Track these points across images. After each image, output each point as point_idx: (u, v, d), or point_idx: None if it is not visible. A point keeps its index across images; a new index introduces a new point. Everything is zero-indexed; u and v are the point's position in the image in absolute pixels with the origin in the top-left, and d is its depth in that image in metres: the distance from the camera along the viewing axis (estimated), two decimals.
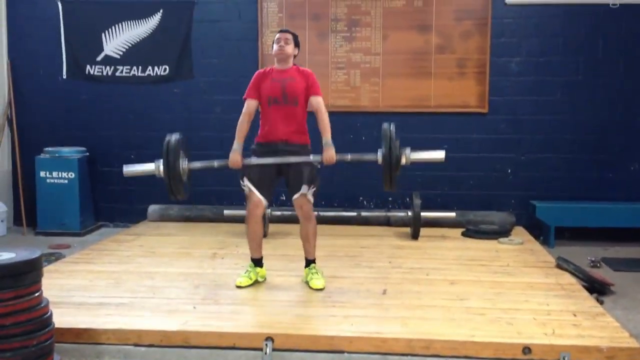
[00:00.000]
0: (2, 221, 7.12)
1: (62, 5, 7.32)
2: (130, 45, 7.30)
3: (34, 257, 3.18)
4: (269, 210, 6.39)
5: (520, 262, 5.36)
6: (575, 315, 3.90)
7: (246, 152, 4.48)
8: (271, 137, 4.43)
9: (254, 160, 4.43)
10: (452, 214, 6.56)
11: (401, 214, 6.72)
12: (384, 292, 4.41)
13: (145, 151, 7.28)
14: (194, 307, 4.03)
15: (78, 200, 7.06)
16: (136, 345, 3.57)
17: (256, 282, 4.56)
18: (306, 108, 4.49)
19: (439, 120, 6.98)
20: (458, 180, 7.12)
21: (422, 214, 6.22)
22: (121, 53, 7.31)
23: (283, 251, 5.64)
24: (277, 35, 4.51)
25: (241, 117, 4.48)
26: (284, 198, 6.65)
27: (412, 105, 6.96)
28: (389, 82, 7.03)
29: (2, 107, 7.44)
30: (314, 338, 3.53)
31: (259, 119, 4.55)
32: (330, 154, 4.32)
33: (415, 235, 6.25)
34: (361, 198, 7.25)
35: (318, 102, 4.44)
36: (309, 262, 4.60)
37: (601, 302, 4.44)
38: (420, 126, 6.88)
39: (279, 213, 6.58)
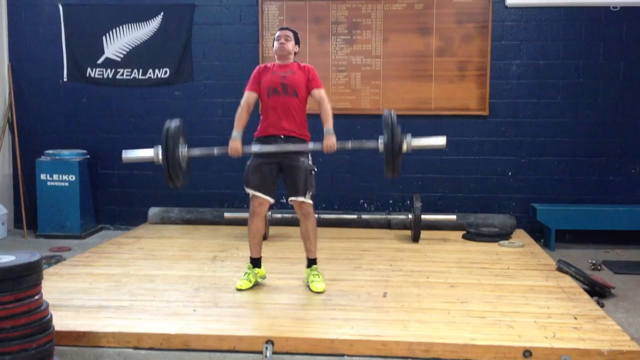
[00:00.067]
0: (2, 224, 7.12)
1: (63, 9, 7.33)
2: (131, 48, 7.30)
3: (33, 260, 3.18)
4: (269, 213, 6.38)
5: (521, 264, 5.35)
6: (576, 318, 3.89)
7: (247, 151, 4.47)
8: (271, 131, 4.45)
9: (254, 148, 4.44)
10: (453, 217, 6.56)
11: (402, 216, 6.71)
12: (385, 295, 4.40)
13: None
14: (194, 310, 4.03)
15: (78, 202, 7.06)
16: (136, 348, 3.56)
17: (256, 284, 4.56)
18: (306, 102, 4.53)
19: (440, 123, 6.98)
20: (459, 183, 7.12)
21: (423, 216, 6.22)
22: (122, 56, 7.32)
23: (283, 254, 5.64)
24: (278, 33, 4.57)
25: (240, 108, 4.52)
26: (285, 201, 6.63)
27: (412, 108, 6.96)
28: (390, 85, 7.03)
29: (2, 110, 7.44)
30: (314, 341, 3.52)
31: (259, 115, 4.57)
32: (331, 141, 4.33)
33: (415, 238, 6.24)
34: (362, 201, 7.25)
35: (320, 94, 4.50)
36: (311, 262, 4.59)
37: (602, 305, 4.44)
38: (420, 129, 6.81)
39: (279, 216, 6.57)
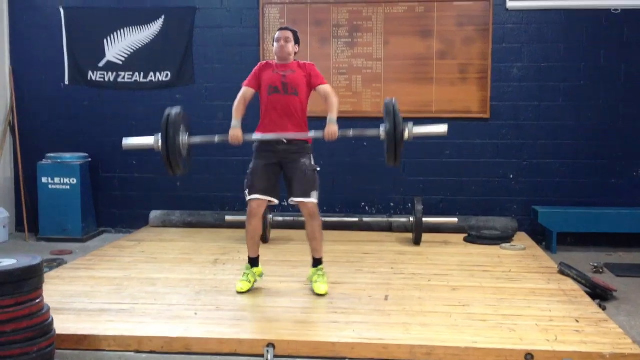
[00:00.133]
0: (4, 227, 7.12)
1: (65, 12, 7.34)
2: (132, 51, 7.31)
3: (34, 263, 3.18)
4: (270, 216, 6.38)
5: (522, 267, 5.35)
6: (577, 322, 3.88)
7: (248, 152, 4.46)
8: (272, 129, 4.44)
9: (255, 136, 4.44)
10: (454, 220, 6.55)
11: (403, 219, 6.71)
12: (386, 298, 4.40)
13: (147, 157, 7.30)
14: (195, 314, 4.03)
15: (80, 206, 7.07)
16: (137, 351, 3.56)
17: (255, 285, 4.56)
18: (307, 100, 4.54)
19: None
20: (460, 186, 7.11)
21: (424, 219, 6.21)
22: (123, 59, 7.33)
23: (285, 257, 5.64)
24: (277, 34, 4.56)
25: (236, 101, 4.55)
26: (286, 204, 6.63)
27: (413, 111, 6.94)
28: (391, 88, 7.03)
29: (4, 114, 7.45)
30: (315, 344, 3.52)
31: (259, 113, 4.58)
32: (332, 129, 4.34)
33: (417, 241, 6.23)
34: (363, 204, 7.24)
35: (325, 89, 4.52)
36: (317, 262, 4.58)
37: (604, 308, 4.43)
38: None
39: (280, 219, 6.57)
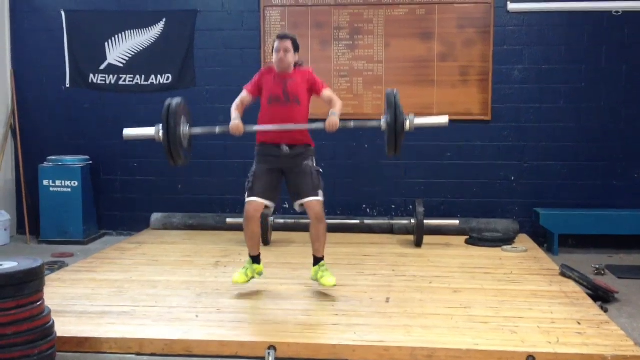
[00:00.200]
0: (5, 230, 7.12)
1: (66, 15, 7.35)
2: (133, 54, 7.32)
3: (35, 266, 3.18)
4: (271, 218, 6.38)
5: (524, 269, 5.34)
6: (579, 324, 3.88)
7: (250, 155, 4.45)
8: (272, 138, 4.42)
9: (256, 127, 4.42)
10: (456, 222, 6.55)
11: (404, 221, 6.70)
12: (388, 300, 4.40)
13: (148, 159, 7.31)
14: (197, 316, 4.02)
15: (81, 208, 7.07)
16: (138, 354, 3.56)
17: (256, 286, 4.56)
18: (308, 108, 4.52)
19: (442, 128, 6.92)
20: (461, 188, 7.11)
21: (426, 221, 6.21)
22: (124, 62, 7.34)
23: (285, 259, 5.64)
24: (276, 44, 4.46)
25: (234, 103, 4.52)
26: (287, 206, 6.64)
27: (415, 113, 6.91)
28: None
29: (5, 117, 7.46)
30: (316, 347, 3.52)
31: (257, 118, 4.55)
32: (333, 120, 4.31)
33: (418, 243, 6.23)
34: (364, 206, 7.24)
35: (328, 94, 4.52)
36: (318, 260, 4.56)
37: (605, 310, 4.42)
38: (423, 134, 6.83)
39: (282, 221, 6.57)
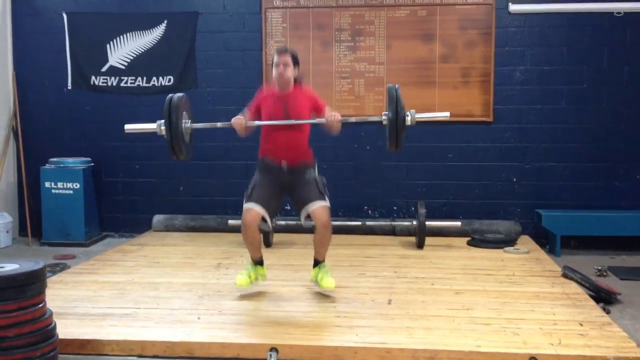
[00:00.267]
0: (7, 232, 7.13)
1: (67, 17, 7.36)
2: (134, 56, 7.33)
3: (37, 268, 3.18)
4: (273, 220, 6.37)
5: (526, 271, 5.33)
6: (581, 325, 3.87)
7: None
8: (274, 158, 4.39)
9: (258, 122, 4.39)
10: (458, 223, 6.54)
11: (406, 223, 6.69)
12: (389, 302, 4.39)
13: (150, 161, 7.32)
14: (198, 318, 4.02)
15: (83, 210, 7.07)
16: (140, 356, 3.56)
17: (258, 288, 4.54)
18: (309, 129, 4.44)
19: (444, 129, 6.97)
20: (463, 189, 7.10)
21: (427, 223, 6.20)
22: (126, 64, 7.34)
23: (287, 261, 5.64)
24: (275, 59, 4.35)
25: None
26: (289, 208, 6.64)
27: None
28: None
29: (7, 118, 7.47)
30: (318, 348, 3.51)
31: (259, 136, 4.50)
32: (335, 114, 4.28)
33: (420, 245, 6.22)
34: (366, 207, 7.24)
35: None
36: (319, 262, 4.54)
37: (608, 312, 4.41)
38: (424, 135, 6.88)
39: (283, 223, 6.56)
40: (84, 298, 4.47)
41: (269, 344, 3.51)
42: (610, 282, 5.29)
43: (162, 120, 4.21)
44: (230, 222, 6.61)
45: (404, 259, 5.81)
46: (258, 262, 4.57)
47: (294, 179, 4.38)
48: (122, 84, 7.37)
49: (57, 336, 3.32)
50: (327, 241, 4.43)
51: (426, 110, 6.89)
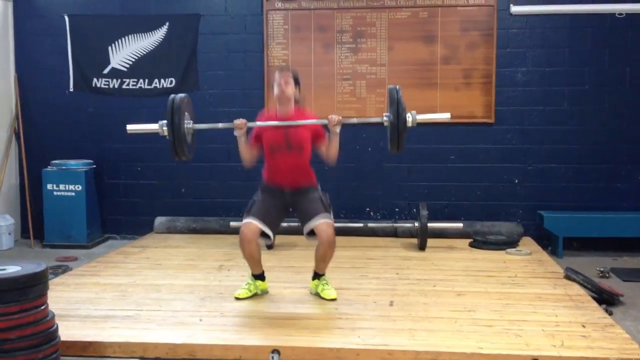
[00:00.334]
0: (9, 234, 7.13)
1: (69, 19, 7.37)
2: (136, 58, 7.34)
3: (39, 270, 3.18)
4: None
5: (528, 272, 5.33)
6: (584, 327, 3.86)
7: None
8: (277, 183, 4.39)
9: (259, 123, 4.39)
10: (459, 225, 6.53)
11: (408, 224, 6.69)
12: (391, 303, 4.39)
13: (152, 163, 7.32)
14: (200, 320, 4.02)
15: (85, 212, 7.08)
16: (142, 358, 3.56)
17: (256, 295, 4.54)
18: (311, 153, 4.41)
19: (446, 131, 6.97)
20: (465, 191, 7.10)
21: (429, 224, 6.20)
22: (128, 66, 7.35)
23: (289, 263, 5.64)
24: (276, 77, 4.34)
25: None
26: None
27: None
28: None
29: (9, 120, 7.48)
30: (320, 350, 3.51)
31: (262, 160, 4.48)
32: (335, 115, 4.24)
33: (422, 246, 6.22)
34: (368, 209, 7.24)
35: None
36: (319, 275, 4.54)
37: (610, 313, 4.41)
38: (426, 136, 6.88)
39: (285, 224, 6.53)
40: (86, 300, 4.47)
41: (271, 346, 3.51)
42: (613, 284, 5.29)
43: (164, 121, 4.21)
44: (232, 224, 6.61)
45: (406, 260, 5.80)
46: (258, 277, 4.54)
47: (297, 199, 4.38)
48: (124, 86, 7.37)
49: (59, 338, 3.32)
50: (329, 257, 4.40)
51: (428, 112, 6.93)
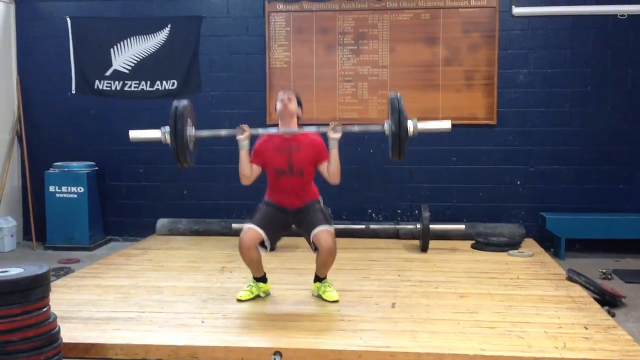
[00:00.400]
0: (11, 236, 7.14)
1: (71, 22, 7.39)
2: (138, 60, 7.34)
3: (41, 272, 3.18)
4: None
5: (530, 274, 5.32)
6: (586, 328, 3.86)
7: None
8: (281, 203, 4.42)
9: (261, 130, 4.40)
10: (462, 226, 6.53)
11: (410, 226, 6.69)
12: (393, 305, 4.38)
13: (154, 165, 7.33)
14: (202, 322, 4.02)
15: (87, 214, 7.08)
16: None
17: (258, 297, 4.54)
18: (314, 173, 4.42)
19: (447, 132, 6.93)
20: (467, 192, 7.09)
21: (431, 226, 6.19)
22: (130, 68, 7.36)
23: (291, 264, 5.63)
24: (279, 95, 4.41)
25: None
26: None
27: (420, 118, 6.79)
28: None
29: (11, 123, 7.49)
30: (322, 352, 3.51)
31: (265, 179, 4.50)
32: (336, 124, 4.24)
33: (424, 248, 6.22)
34: (370, 211, 7.24)
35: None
36: (320, 278, 4.55)
37: (613, 315, 4.40)
38: (428, 138, 6.85)
39: None
40: (88, 302, 4.47)
41: (273, 348, 3.51)
42: (615, 285, 5.28)
43: (167, 127, 4.22)
44: (234, 225, 6.60)
45: (408, 262, 5.80)
46: (260, 279, 4.56)
47: (299, 216, 4.41)
48: (126, 88, 7.38)
49: (61, 340, 3.32)
50: (330, 264, 4.41)
51: (430, 114, 6.97)
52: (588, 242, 6.80)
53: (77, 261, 6.46)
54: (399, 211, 7.20)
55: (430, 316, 4.13)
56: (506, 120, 6.98)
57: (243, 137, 4.30)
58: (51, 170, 7.14)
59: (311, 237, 4.30)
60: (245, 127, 4.29)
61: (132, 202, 7.50)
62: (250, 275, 4.58)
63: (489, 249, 6.28)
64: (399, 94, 4.25)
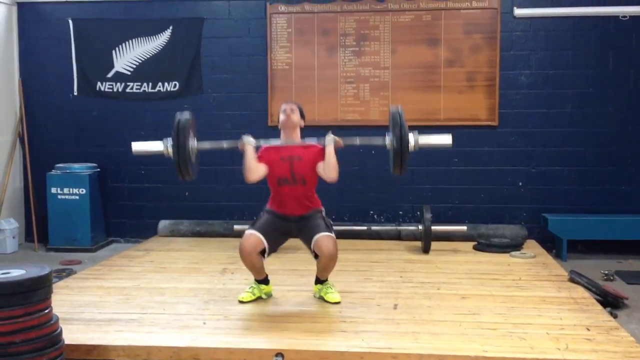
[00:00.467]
0: (13, 237, 7.15)
1: (73, 23, 7.40)
2: (140, 61, 7.35)
3: (43, 273, 3.18)
4: None
5: (532, 275, 5.32)
6: (588, 330, 3.85)
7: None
8: (283, 211, 4.42)
9: (263, 141, 4.41)
10: (463, 228, 6.52)
11: (412, 227, 6.69)
12: (395, 306, 4.38)
13: (156, 167, 7.33)
14: (204, 323, 4.02)
15: (89, 216, 7.09)
16: None
17: (259, 298, 4.54)
18: (317, 182, 4.44)
19: (449, 134, 6.94)
20: (469, 194, 7.09)
21: (433, 227, 6.19)
22: (131, 69, 7.37)
23: (293, 266, 5.63)
24: (283, 106, 4.46)
25: None
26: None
27: (421, 119, 6.93)
28: (399, 96, 7.02)
29: (13, 124, 7.50)
30: (324, 354, 3.51)
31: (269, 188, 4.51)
32: (338, 139, 4.30)
33: (426, 249, 6.21)
34: (371, 212, 7.23)
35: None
36: (322, 280, 4.54)
37: (615, 316, 4.39)
38: None
39: None
40: (90, 303, 4.47)
41: (275, 349, 3.51)
42: (617, 287, 5.27)
43: (169, 139, 4.24)
44: (236, 227, 6.61)
45: (410, 263, 5.80)
46: (262, 281, 4.56)
47: (301, 225, 4.41)
48: (128, 90, 7.39)
49: (64, 342, 3.32)
50: (330, 268, 4.41)
51: (431, 115, 6.99)
52: (590, 243, 6.80)
53: (79, 263, 6.47)
54: (400, 212, 7.20)
55: (432, 317, 4.12)
56: (508, 122, 6.98)
57: (248, 141, 4.34)
58: (53, 171, 7.15)
59: (312, 243, 4.29)
60: (248, 139, 4.32)
61: (133, 204, 7.51)
62: (252, 277, 4.58)
63: (491, 250, 6.27)
64: (400, 108, 4.27)
